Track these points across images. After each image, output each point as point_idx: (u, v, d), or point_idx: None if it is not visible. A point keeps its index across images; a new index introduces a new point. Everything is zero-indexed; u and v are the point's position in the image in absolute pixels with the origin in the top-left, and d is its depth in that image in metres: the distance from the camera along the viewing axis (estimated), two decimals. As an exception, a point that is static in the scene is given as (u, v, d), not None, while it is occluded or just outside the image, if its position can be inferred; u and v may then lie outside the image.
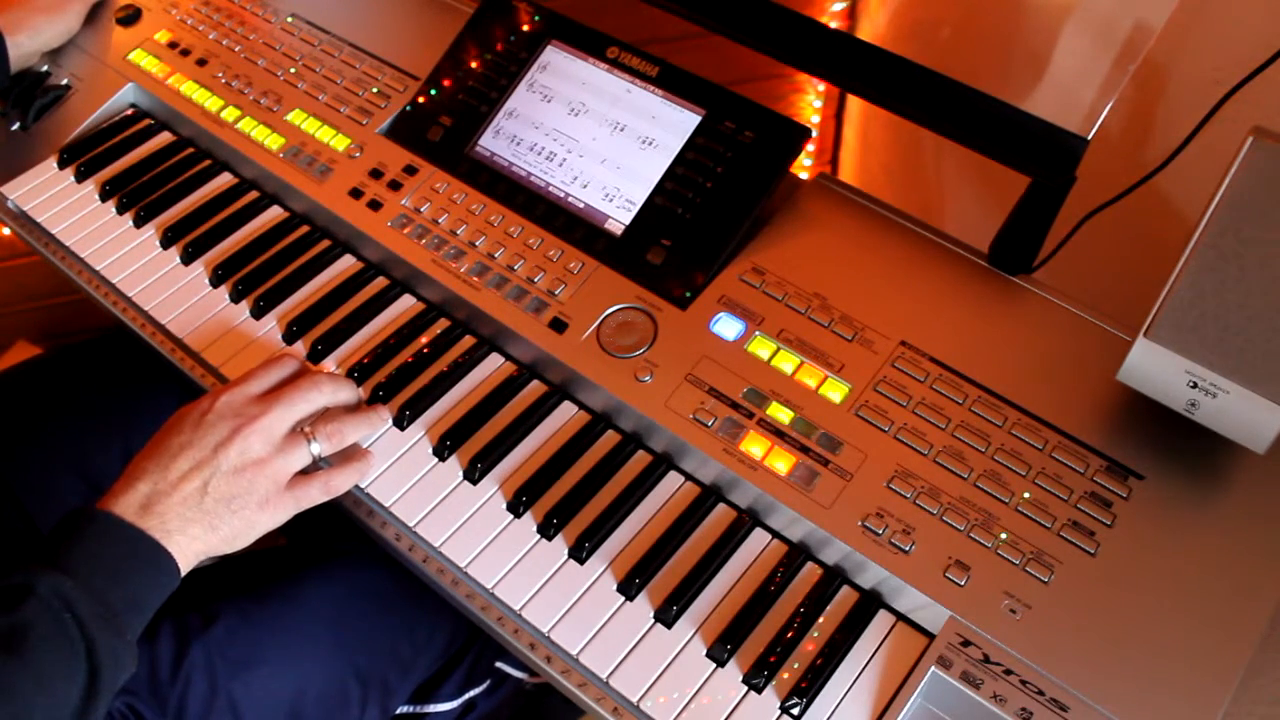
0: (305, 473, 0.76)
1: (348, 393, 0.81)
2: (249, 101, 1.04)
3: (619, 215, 0.89)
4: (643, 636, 0.71)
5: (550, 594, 0.73)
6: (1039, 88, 0.81)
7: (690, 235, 0.86)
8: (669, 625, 0.71)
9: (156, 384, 1.03)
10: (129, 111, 1.10)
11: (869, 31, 1.50)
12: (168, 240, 0.97)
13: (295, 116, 1.02)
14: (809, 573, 0.74)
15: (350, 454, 0.79)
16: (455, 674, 0.96)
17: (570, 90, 0.94)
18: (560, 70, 0.95)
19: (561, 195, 0.91)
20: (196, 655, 0.79)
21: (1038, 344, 0.78)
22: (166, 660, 0.79)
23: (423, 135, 0.97)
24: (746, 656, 0.70)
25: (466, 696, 0.98)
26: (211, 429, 0.72)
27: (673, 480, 0.79)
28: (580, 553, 0.75)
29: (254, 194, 1.02)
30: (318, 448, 0.76)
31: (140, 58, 1.11)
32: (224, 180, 1.03)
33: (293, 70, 1.06)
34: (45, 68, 1.13)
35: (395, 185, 0.95)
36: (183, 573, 0.69)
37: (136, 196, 1.01)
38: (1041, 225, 0.80)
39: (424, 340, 0.89)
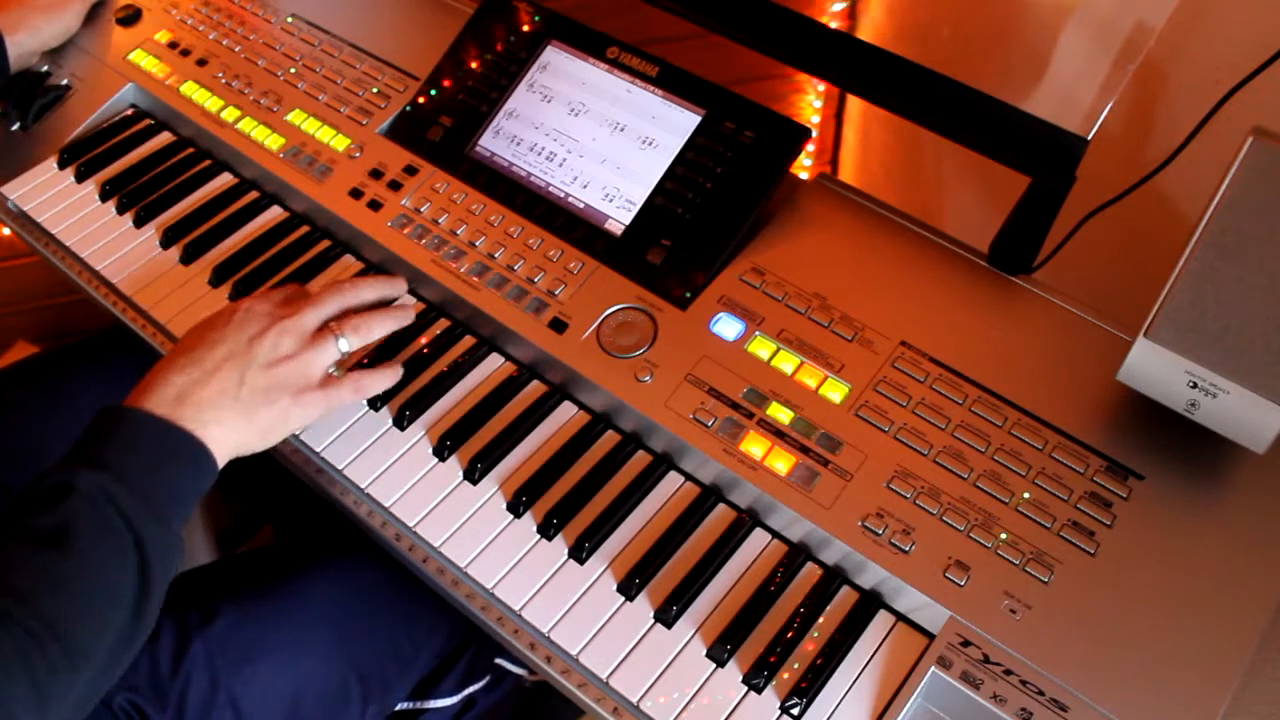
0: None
1: (373, 292, 0.83)
2: (249, 101, 1.04)
3: (619, 215, 0.89)
4: (643, 636, 0.71)
5: (550, 594, 0.73)
6: (1039, 88, 0.81)
7: (690, 235, 0.86)
8: (669, 625, 0.71)
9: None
10: (129, 111, 1.10)
11: (869, 31, 1.50)
12: (168, 240, 0.97)
13: (295, 116, 1.02)
14: (809, 573, 0.74)
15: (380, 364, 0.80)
16: (454, 670, 0.97)
17: (570, 90, 0.94)
18: (560, 70, 0.95)
19: (561, 195, 0.91)
20: (197, 651, 0.80)
21: (1038, 344, 0.78)
22: (167, 656, 0.79)
23: (423, 135, 0.97)
24: (746, 656, 0.70)
25: (466, 693, 0.98)
26: (243, 326, 0.74)
27: (673, 480, 0.79)
28: (580, 553, 0.75)
29: (254, 194, 1.02)
30: (345, 343, 0.78)
31: (140, 58, 1.11)
32: (224, 180, 1.03)
33: (293, 70, 1.06)
34: (45, 68, 1.13)
35: (395, 185, 0.95)
36: (219, 465, 0.69)
37: (136, 196, 1.01)
38: (1041, 225, 0.80)
39: (424, 340, 0.89)
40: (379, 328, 0.81)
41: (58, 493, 0.62)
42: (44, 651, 0.57)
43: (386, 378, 0.80)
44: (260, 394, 0.72)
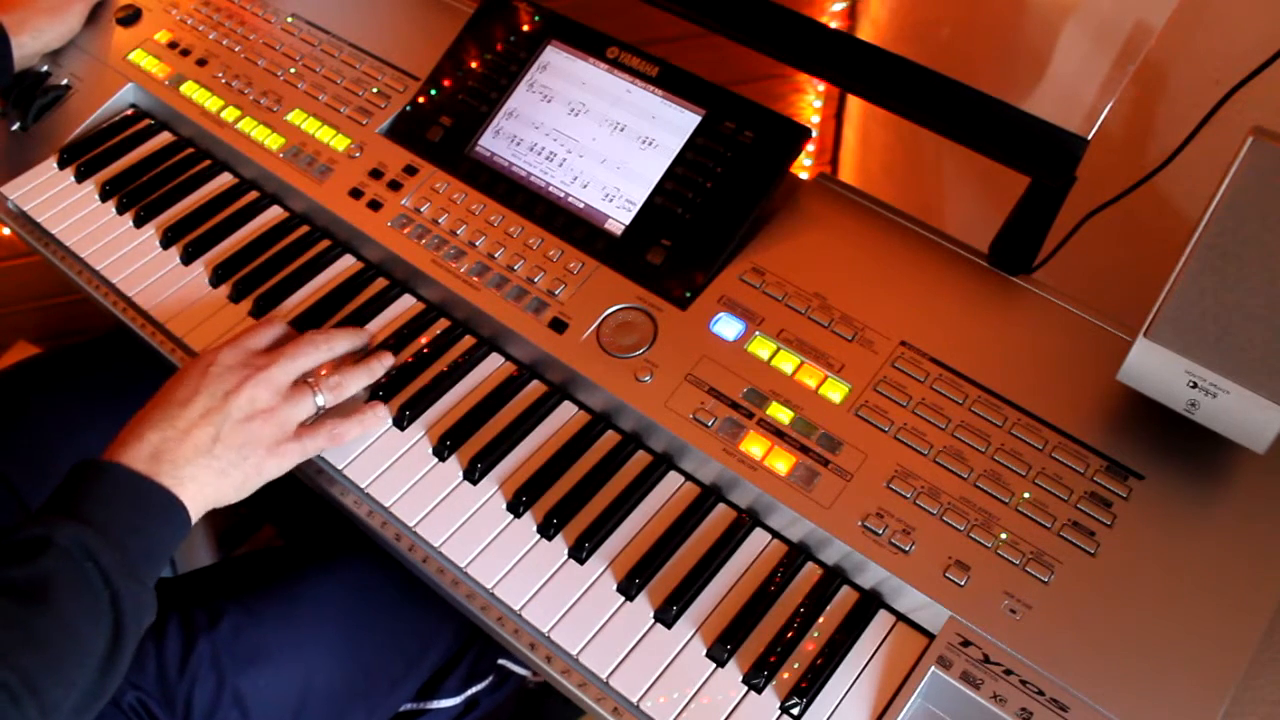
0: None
1: (345, 343, 0.83)
2: (249, 101, 1.04)
3: (619, 215, 0.89)
4: (643, 636, 0.71)
5: (550, 594, 0.73)
6: (1039, 88, 0.81)
7: (690, 235, 0.86)
8: (669, 625, 0.71)
9: (156, 383, 1.03)
10: (129, 111, 1.10)
11: (869, 31, 1.50)
12: (168, 240, 0.97)
13: (295, 116, 1.02)
14: (809, 573, 0.74)
15: (355, 408, 0.80)
16: (458, 671, 0.97)
17: (570, 90, 0.94)
18: (560, 70, 0.95)
19: (561, 195, 0.91)
20: (204, 651, 0.80)
21: (1038, 344, 0.78)
22: (174, 657, 0.79)
23: (423, 135, 0.97)
24: (746, 656, 0.70)
25: (469, 693, 0.98)
26: (219, 379, 0.74)
27: (673, 480, 0.79)
28: (580, 553, 0.75)
29: (254, 194, 1.02)
30: (322, 399, 0.78)
31: (140, 58, 1.11)
32: (224, 180, 1.03)
33: (293, 70, 1.06)
34: (45, 68, 1.13)
35: (395, 185, 0.95)
36: (193, 521, 0.69)
37: (136, 196, 1.01)
38: (1041, 225, 0.80)
39: (424, 340, 0.89)
40: (354, 384, 0.81)
41: (36, 546, 0.62)
42: (18, 705, 0.57)
43: (359, 425, 0.79)
44: (235, 450, 0.72)
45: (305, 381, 0.78)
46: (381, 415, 0.81)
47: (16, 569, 0.60)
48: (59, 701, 0.59)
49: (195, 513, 0.70)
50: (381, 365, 0.83)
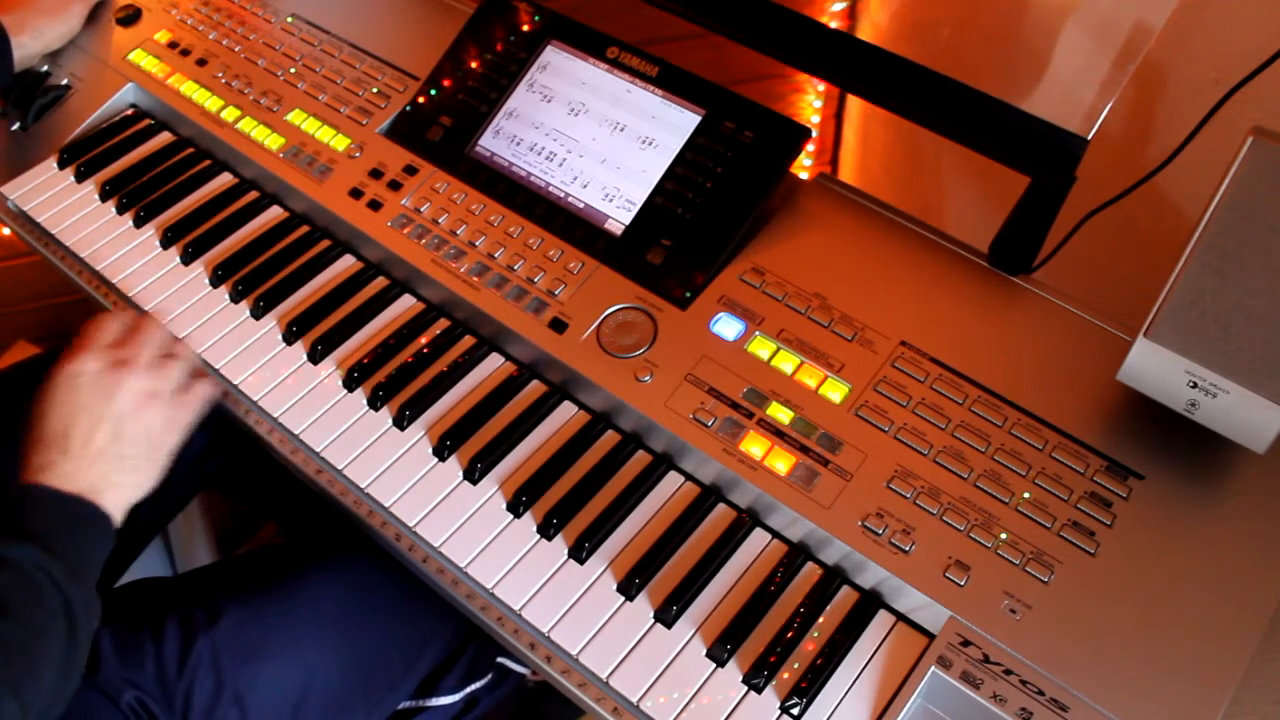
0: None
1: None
2: (249, 101, 1.04)
3: (619, 215, 0.89)
4: (643, 636, 0.71)
5: (550, 594, 0.73)
6: (1039, 88, 0.81)
7: (690, 235, 0.86)
8: (669, 625, 0.71)
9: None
10: (129, 111, 1.10)
11: (869, 31, 1.50)
12: (168, 240, 0.97)
13: (295, 116, 1.02)
14: (809, 573, 0.74)
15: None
16: (457, 668, 0.97)
17: (570, 90, 0.94)
18: (560, 70, 0.95)
19: (561, 195, 0.91)
20: (203, 650, 0.80)
21: (1038, 344, 0.78)
22: (173, 655, 0.79)
23: (423, 135, 0.97)
24: (746, 656, 0.70)
25: (468, 690, 0.98)
26: (93, 387, 0.76)
27: (673, 480, 0.79)
28: (580, 553, 0.75)
29: (254, 194, 1.02)
30: (183, 364, 0.82)
31: (140, 58, 1.11)
32: (224, 180, 1.03)
33: (293, 70, 1.06)
34: (45, 68, 1.13)
35: (395, 185, 0.95)
36: (117, 522, 0.73)
37: (136, 196, 1.01)
38: (1041, 225, 0.80)
39: (424, 340, 0.89)
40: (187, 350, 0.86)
41: None
42: (1, 707, 0.63)
43: (213, 384, 0.84)
44: (139, 443, 0.76)
45: (165, 354, 0.82)
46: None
47: None
48: (33, 700, 0.65)
49: (120, 513, 0.74)
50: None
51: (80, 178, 1.04)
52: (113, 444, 0.74)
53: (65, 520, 0.71)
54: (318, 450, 0.82)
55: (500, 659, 1.00)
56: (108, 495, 0.73)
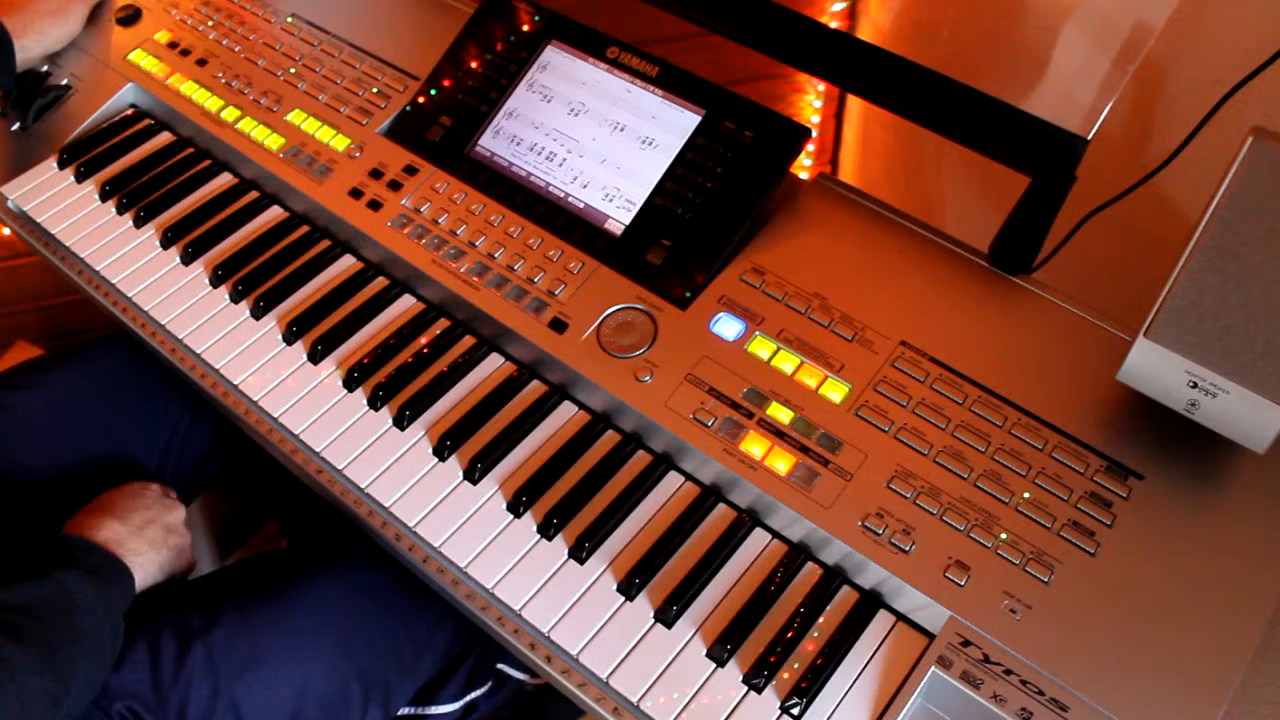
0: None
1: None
2: (249, 101, 1.04)
3: (619, 215, 0.89)
4: (643, 636, 0.71)
5: (550, 594, 0.73)
6: (1039, 88, 0.81)
7: (690, 235, 0.86)
8: (669, 625, 0.71)
9: (155, 384, 1.03)
10: (129, 111, 1.10)
11: (869, 31, 1.50)
12: (168, 240, 0.97)
13: (295, 116, 1.02)
14: (809, 573, 0.74)
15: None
16: (457, 675, 0.96)
17: (570, 90, 0.94)
18: (560, 70, 0.95)
19: (561, 195, 0.91)
20: (199, 656, 0.79)
21: (1038, 344, 0.78)
22: (169, 661, 0.79)
23: (423, 135, 0.97)
24: (746, 656, 0.70)
25: (468, 698, 0.98)
26: (155, 504, 0.91)
27: (673, 480, 0.79)
28: (580, 553, 0.75)
29: (254, 194, 1.02)
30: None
31: (140, 58, 1.11)
32: (224, 180, 1.03)
33: (293, 70, 1.06)
34: (45, 68, 1.13)
35: (395, 185, 0.95)
36: (136, 592, 0.84)
37: (136, 197, 1.01)
38: (1041, 225, 0.80)
39: (424, 340, 0.89)
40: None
41: (53, 583, 0.75)
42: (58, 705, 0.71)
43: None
44: (173, 554, 0.89)
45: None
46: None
47: (46, 607, 0.74)
48: (70, 695, 0.72)
49: (140, 585, 0.84)
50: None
51: (80, 178, 1.04)
52: (160, 536, 0.87)
53: (106, 569, 0.80)
54: (318, 450, 0.82)
55: (500, 665, 1.00)
56: (137, 567, 0.83)
